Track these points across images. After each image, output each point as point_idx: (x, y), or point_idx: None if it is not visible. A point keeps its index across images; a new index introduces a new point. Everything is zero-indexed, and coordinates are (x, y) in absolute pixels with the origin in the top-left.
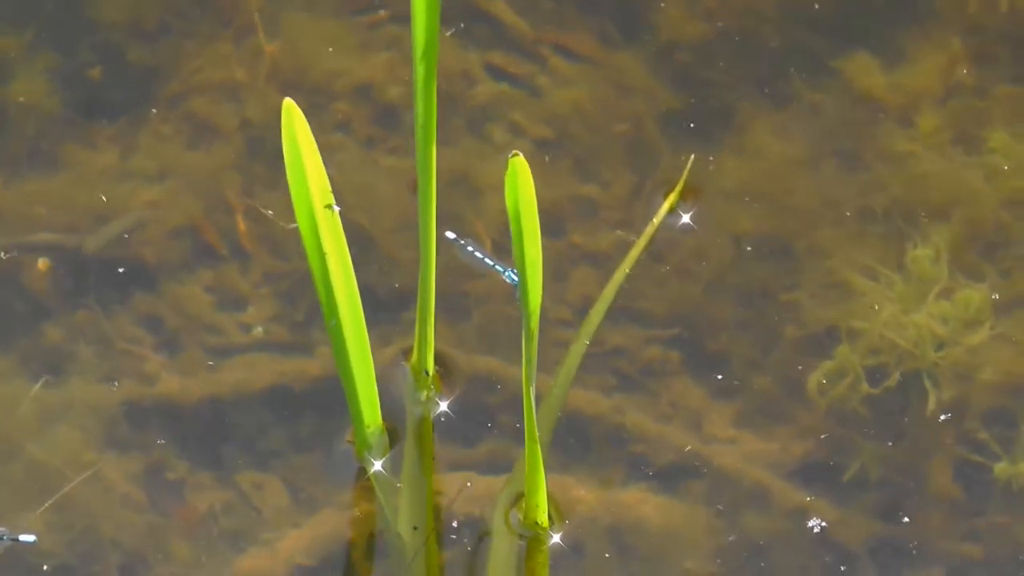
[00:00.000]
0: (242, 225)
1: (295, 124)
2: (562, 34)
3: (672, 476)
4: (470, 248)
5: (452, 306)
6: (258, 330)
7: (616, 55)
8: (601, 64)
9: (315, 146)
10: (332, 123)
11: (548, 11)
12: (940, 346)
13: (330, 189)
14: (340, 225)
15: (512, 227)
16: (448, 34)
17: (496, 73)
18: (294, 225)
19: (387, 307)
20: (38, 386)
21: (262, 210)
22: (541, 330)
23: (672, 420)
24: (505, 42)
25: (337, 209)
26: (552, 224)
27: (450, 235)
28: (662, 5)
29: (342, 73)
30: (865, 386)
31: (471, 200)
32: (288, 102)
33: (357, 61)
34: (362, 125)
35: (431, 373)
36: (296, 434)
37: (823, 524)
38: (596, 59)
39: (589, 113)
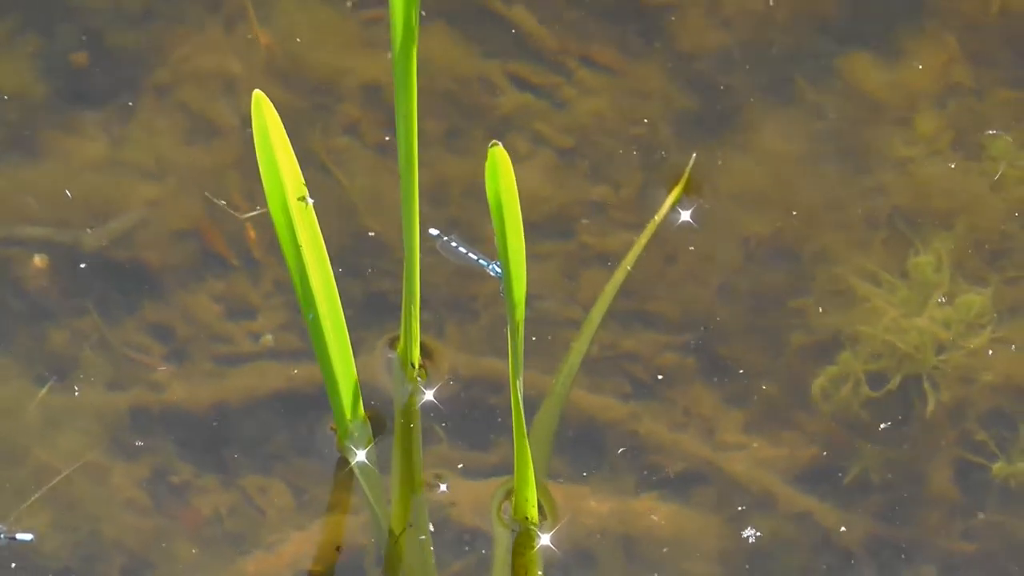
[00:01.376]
0: (252, 232)
1: (266, 116)
2: (586, 44)
3: (682, 482)
4: (454, 244)
5: (448, 302)
6: (268, 338)
7: (637, 64)
8: (623, 74)
9: (287, 138)
10: (341, 125)
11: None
12: (941, 350)
13: (303, 181)
14: (314, 217)
15: (494, 218)
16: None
17: (519, 84)
18: (249, 214)
19: (393, 308)
20: (44, 390)
21: (215, 200)
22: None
23: (687, 428)
24: (529, 53)
25: (311, 201)
26: (564, 226)
27: (433, 232)
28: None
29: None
30: (866, 390)
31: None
32: (258, 94)
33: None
34: (371, 128)
35: (416, 365)
36: (297, 437)
37: (757, 534)
38: (618, 69)
39: (607, 119)
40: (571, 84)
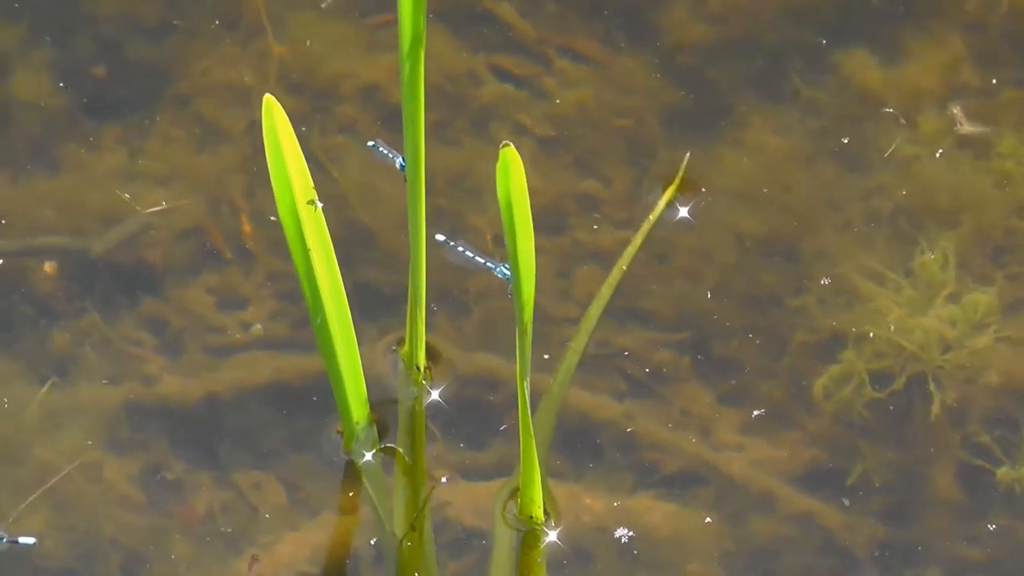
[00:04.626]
0: (247, 227)
1: (276, 120)
2: (567, 36)
3: (679, 482)
4: (460, 248)
5: (451, 302)
6: (257, 327)
7: (620, 56)
8: (604, 65)
9: (296, 142)
10: (337, 125)
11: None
12: (946, 349)
13: (312, 185)
14: (323, 221)
15: (504, 218)
16: None
17: (501, 75)
18: (152, 208)
19: (391, 304)
20: (45, 389)
21: (120, 194)
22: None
23: (684, 427)
24: (510, 44)
25: (320, 205)
26: (553, 221)
27: (440, 237)
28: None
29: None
30: (870, 390)
31: (474, 198)
32: (268, 98)
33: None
34: (367, 126)
35: (422, 368)
36: (294, 431)
37: (631, 534)
38: (600, 60)
39: (592, 112)
40: (551, 75)
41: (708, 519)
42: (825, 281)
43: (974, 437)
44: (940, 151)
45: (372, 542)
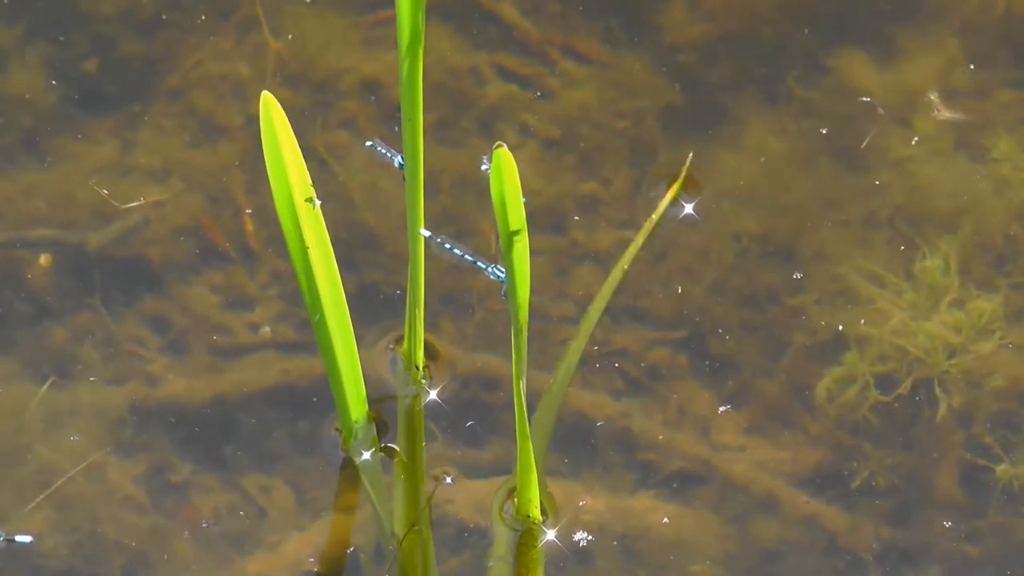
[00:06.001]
0: (249, 225)
1: (274, 117)
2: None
3: (681, 483)
4: (448, 245)
5: (451, 302)
6: (265, 329)
7: (621, 56)
8: (607, 65)
9: (294, 139)
10: (337, 121)
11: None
12: (951, 354)
13: (310, 182)
14: (321, 218)
15: (498, 219)
16: None
17: (505, 75)
18: (131, 204)
19: (391, 304)
20: (45, 387)
21: (98, 190)
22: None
23: (681, 426)
24: (513, 44)
25: (318, 203)
26: (554, 221)
27: (425, 233)
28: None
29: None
30: (875, 393)
31: (478, 200)
32: (266, 95)
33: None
34: (368, 123)
35: (421, 367)
36: (293, 430)
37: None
38: (602, 61)
39: (593, 112)
40: (556, 76)
41: (708, 518)
42: (797, 276)
43: (979, 439)
44: (936, 152)
45: (371, 541)
